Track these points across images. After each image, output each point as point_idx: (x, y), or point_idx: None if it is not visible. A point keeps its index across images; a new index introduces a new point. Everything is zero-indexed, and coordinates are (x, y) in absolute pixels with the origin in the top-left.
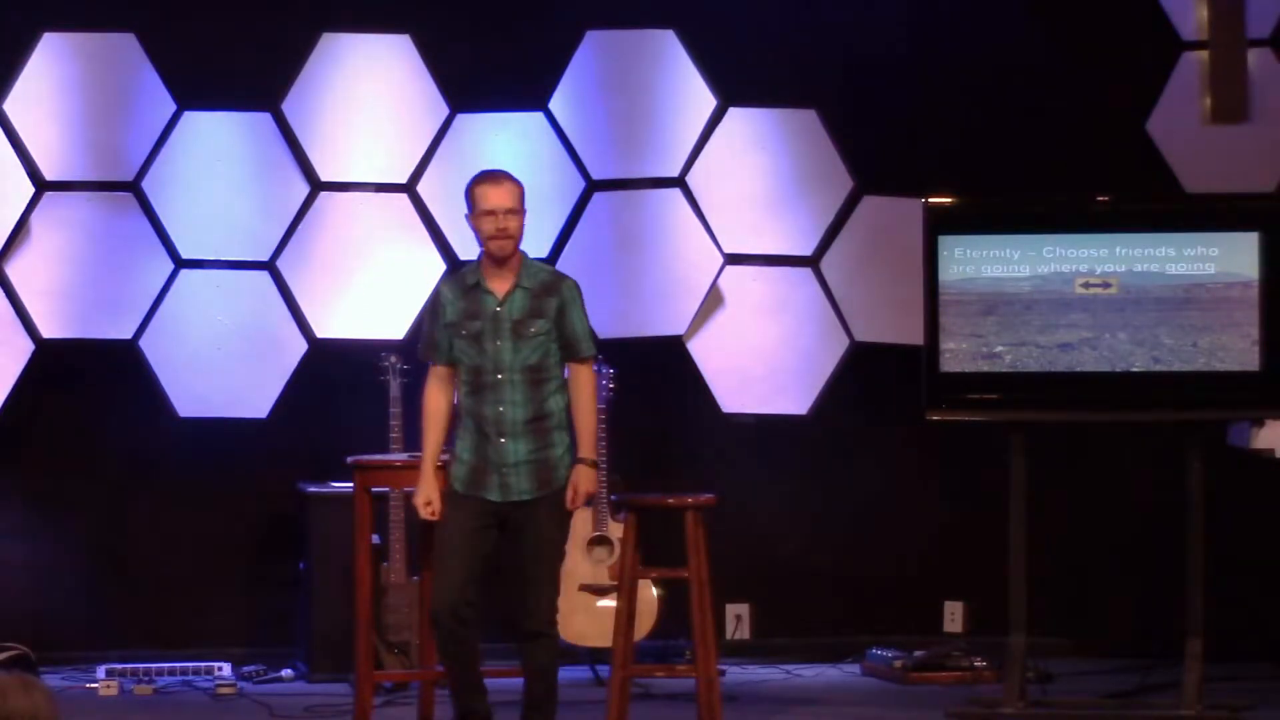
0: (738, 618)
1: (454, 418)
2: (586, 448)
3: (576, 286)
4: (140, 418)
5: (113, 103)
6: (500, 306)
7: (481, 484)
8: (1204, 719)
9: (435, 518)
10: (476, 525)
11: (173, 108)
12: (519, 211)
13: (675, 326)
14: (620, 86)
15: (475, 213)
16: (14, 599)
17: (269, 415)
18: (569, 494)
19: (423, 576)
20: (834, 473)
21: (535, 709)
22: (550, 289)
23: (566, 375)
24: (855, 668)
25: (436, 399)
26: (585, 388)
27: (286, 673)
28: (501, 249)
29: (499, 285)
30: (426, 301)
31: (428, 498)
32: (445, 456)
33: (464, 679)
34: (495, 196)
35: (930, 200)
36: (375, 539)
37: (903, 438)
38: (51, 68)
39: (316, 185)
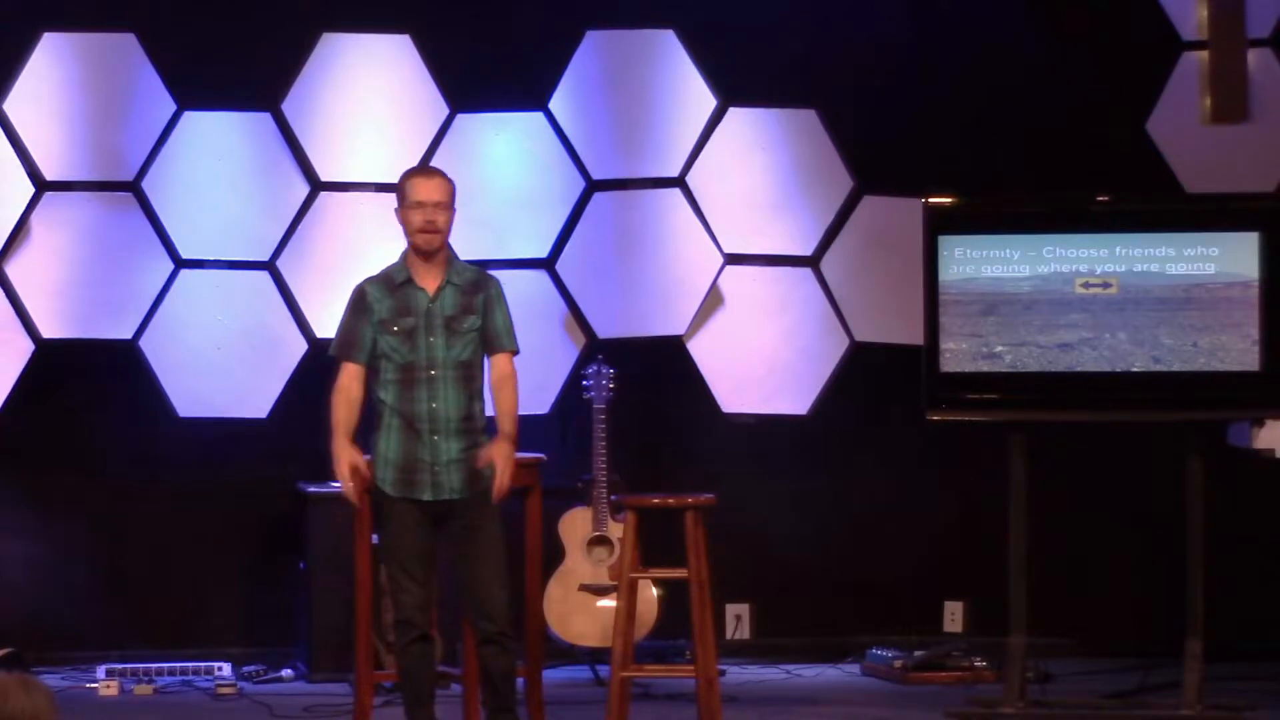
0: (738, 618)
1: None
2: (512, 425)
3: (500, 285)
4: (140, 418)
5: (113, 103)
6: (432, 302)
7: (412, 484)
8: (1204, 719)
9: (357, 480)
10: (419, 536)
11: (173, 108)
12: (448, 207)
13: (675, 326)
14: (620, 86)
15: (405, 205)
16: (14, 599)
17: (269, 415)
18: (491, 471)
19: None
20: (834, 473)
21: (507, 711)
22: (478, 286)
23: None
24: (855, 668)
25: (353, 388)
26: (508, 377)
27: (286, 673)
28: (429, 243)
29: (428, 282)
30: (348, 301)
31: (351, 463)
32: (368, 456)
33: (418, 692)
34: (425, 189)
35: (930, 200)
36: (375, 539)
37: (903, 438)
38: (51, 68)
39: (316, 185)
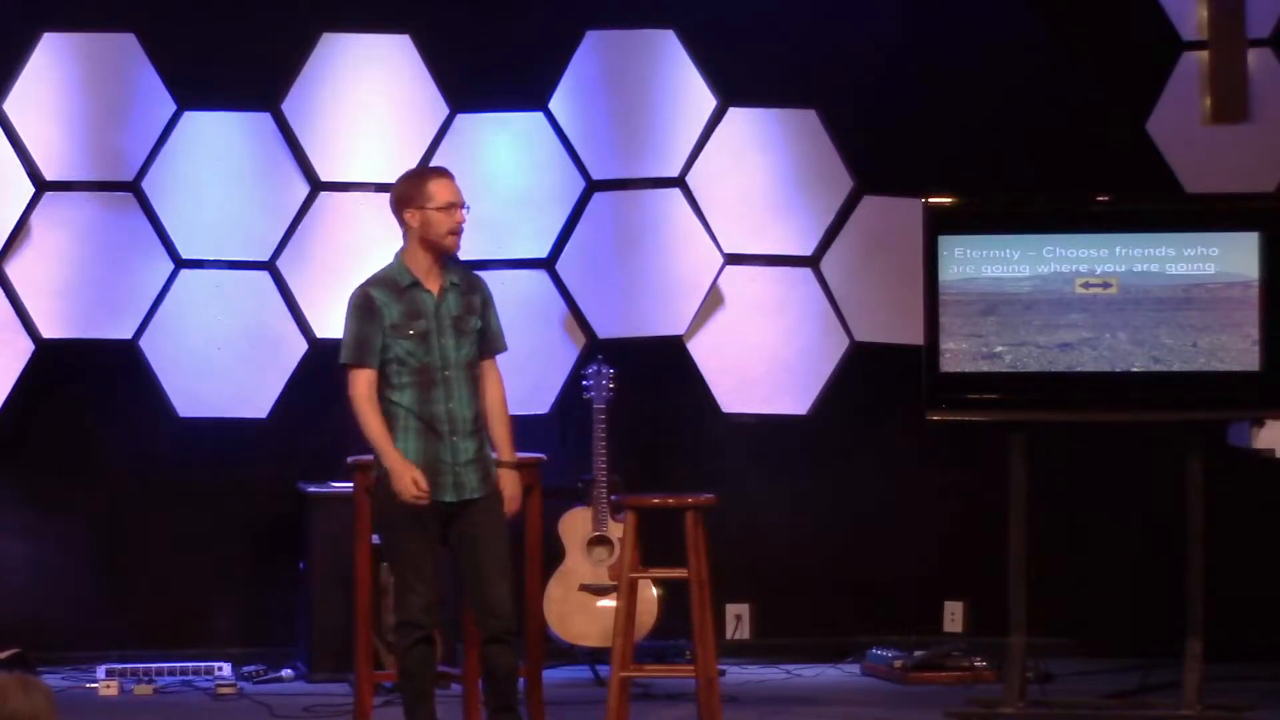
0: (738, 618)
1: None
2: (512, 451)
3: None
4: (140, 418)
5: (113, 103)
6: (439, 304)
7: (435, 485)
8: (1204, 719)
9: (422, 489)
10: (433, 539)
11: (173, 108)
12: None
13: (675, 326)
14: (620, 86)
15: (429, 206)
16: (14, 599)
17: (269, 415)
18: (509, 504)
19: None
20: (834, 473)
21: (508, 710)
22: (474, 286)
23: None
24: (855, 668)
25: (374, 397)
26: (501, 385)
27: (286, 673)
28: (456, 244)
29: (432, 284)
30: (351, 307)
31: (415, 475)
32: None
33: (419, 693)
34: (452, 190)
35: (930, 200)
36: (375, 539)
37: (903, 438)
38: (51, 68)
39: (316, 185)
